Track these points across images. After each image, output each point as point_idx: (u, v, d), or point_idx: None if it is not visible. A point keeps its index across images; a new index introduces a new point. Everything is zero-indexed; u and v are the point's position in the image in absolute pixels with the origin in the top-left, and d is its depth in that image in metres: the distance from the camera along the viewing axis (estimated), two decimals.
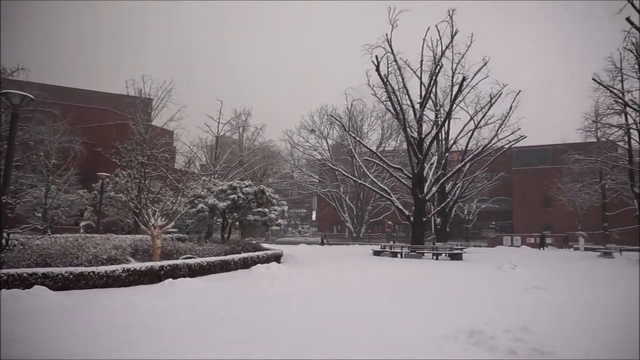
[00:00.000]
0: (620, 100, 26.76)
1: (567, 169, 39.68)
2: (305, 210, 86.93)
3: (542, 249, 38.56)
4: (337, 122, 38.85)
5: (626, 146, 32.42)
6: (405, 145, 29.98)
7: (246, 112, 45.27)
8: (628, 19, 21.41)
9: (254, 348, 5.74)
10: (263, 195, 20.50)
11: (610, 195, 38.25)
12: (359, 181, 38.27)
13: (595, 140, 35.53)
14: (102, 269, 11.01)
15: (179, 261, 13.35)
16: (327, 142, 53.53)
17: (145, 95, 31.51)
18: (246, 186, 20.50)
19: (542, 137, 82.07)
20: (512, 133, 30.32)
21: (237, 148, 47.56)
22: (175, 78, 55.10)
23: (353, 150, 39.79)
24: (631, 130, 30.44)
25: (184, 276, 12.37)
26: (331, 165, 41.91)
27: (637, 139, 29.95)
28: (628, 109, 27.51)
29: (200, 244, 17.83)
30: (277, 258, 19.20)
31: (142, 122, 28.74)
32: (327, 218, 62.45)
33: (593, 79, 26.04)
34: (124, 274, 11.30)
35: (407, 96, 28.03)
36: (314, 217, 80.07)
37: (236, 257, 16.07)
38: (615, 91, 26.70)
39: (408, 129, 27.76)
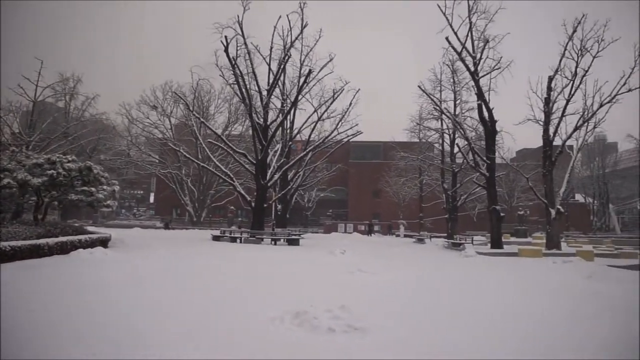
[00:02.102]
0: (438, 108, 30.84)
1: (394, 164, 44.45)
2: (142, 192, 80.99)
3: (370, 235, 42.51)
4: (182, 100, 36.78)
5: (440, 148, 37.76)
6: (251, 131, 29.89)
7: (76, 78, 40.01)
8: (447, 39, 24.63)
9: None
10: (90, 172, 18.30)
11: (426, 189, 44.17)
12: (202, 164, 37.00)
13: (418, 140, 40.41)
14: None
15: None
16: (170, 121, 50.23)
17: None
18: (69, 161, 18.01)
19: (376, 134, 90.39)
20: (351, 128, 32.68)
21: (62, 118, 41.66)
22: None
23: (197, 132, 38.21)
24: (444, 135, 35.50)
25: None
26: (173, 146, 39.70)
27: (449, 142, 35.08)
28: (444, 115, 31.86)
29: (5, 226, 15.10)
30: (103, 242, 17.35)
31: None
32: (167, 201, 58.97)
33: (418, 86, 29.50)
34: None
35: (255, 82, 27.94)
36: (152, 199, 75.12)
37: (51, 241, 14.03)
38: (434, 99, 30.64)
39: (254, 115, 27.74)
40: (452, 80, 31.48)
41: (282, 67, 28.69)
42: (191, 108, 35.17)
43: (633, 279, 12.61)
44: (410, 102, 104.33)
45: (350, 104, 31.97)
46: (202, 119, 33.12)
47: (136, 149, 52.45)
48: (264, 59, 28.68)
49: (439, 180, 37.38)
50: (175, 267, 12.68)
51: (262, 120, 28.25)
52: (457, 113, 31.44)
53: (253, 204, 27.78)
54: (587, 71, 23.75)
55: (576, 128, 24.74)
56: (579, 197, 65.35)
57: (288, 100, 31.57)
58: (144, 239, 23.15)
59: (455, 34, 24.35)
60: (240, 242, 24.94)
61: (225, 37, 25.75)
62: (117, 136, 52.82)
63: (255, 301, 7.94)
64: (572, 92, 24.19)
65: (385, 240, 37.39)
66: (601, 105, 23.66)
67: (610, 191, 63.39)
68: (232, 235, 25.84)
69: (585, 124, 24.68)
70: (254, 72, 27.74)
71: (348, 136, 33.45)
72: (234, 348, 5.11)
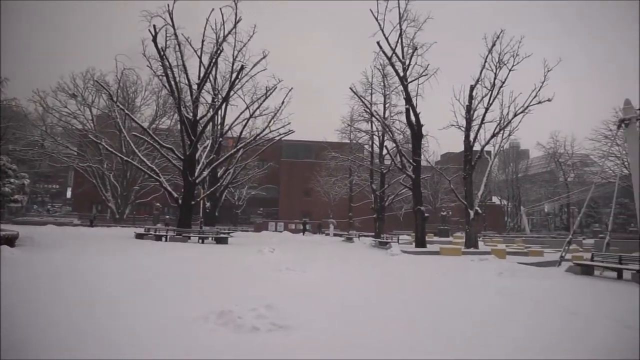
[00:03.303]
0: (368, 110, 31.62)
1: (325, 164, 45.00)
2: (58, 187, 75.27)
3: (303, 234, 42.83)
4: (105, 90, 34.60)
5: (370, 149, 38.77)
6: (179, 125, 28.83)
7: None
8: (378, 43, 25.33)
9: None
10: None
11: (355, 189, 45.20)
12: (126, 158, 35.08)
13: (349, 141, 41.21)
14: None
15: None
16: (91, 111, 47.07)
17: None
18: None
19: (309, 133, 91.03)
20: (283, 126, 32.54)
21: None
22: None
23: (121, 124, 36.15)
24: (374, 137, 36.49)
25: None
26: (94, 138, 37.35)
27: (378, 144, 36.11)
28: (374, 118, 32.70)
29: None
30: (9, 241, 15.87)
31: None
32: (86, 196, 55.17)
33: (350, 88, 30.07)
34: None
35: (185, 75, 26.99)
36: (69, 194, 70.06)
37: None
38: (365, 102, 31.39)
39: (183, 109, 26.81)
40: (382, 83, 32.46)
41: (213, 61, 27.96)
42: (115, 99, 33.20)
43: (537, 275, 13.77)
44: (343, 103, 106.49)
45: (283, 102, 31.83)
46: (126, 111, 31.34)
47: (52, 139, 48.23)
48: (195, 51, 27.80)
49: (368, 180, 38.41)
50: (91, 266, 11.89)
51: (191, 114, 27.35)
52: (386, 116, 32.45)
53: (180, 201, 26.83)
54: (503, 82, 25.56)
55: (493, 135, 26.51)
56: (495, 200, 70.30)
57: (219, 96, 30.80)
58: (58, 237, 21.55)
59: (387, 39, 25.12)
60: (166, 240, 23.97)
61: (154, 26, 24.66)
62: (30, 125, 48.43)
63: (178, 301, 7.64)
64: (491, 102, 25.93)
65: (315, 239, 37.74)
66: (515, 115, 25.57)
67: (522, 194, 68.68)
68: (157, 233, 24.77)
69: (502, 131, 26.55)
70: (184, 65, 26.82)
71: (280, 134, 33.31)
72: (153, 349, 4.88)
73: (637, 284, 12.47)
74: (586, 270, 14.92)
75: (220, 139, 34.26)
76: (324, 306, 7.82)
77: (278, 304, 6.97)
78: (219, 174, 35.87)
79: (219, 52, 27.64)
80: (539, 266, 17.48)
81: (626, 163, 28.11)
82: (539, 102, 24.56)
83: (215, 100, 30.45)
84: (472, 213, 25.23)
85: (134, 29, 26.21)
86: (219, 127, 35.59)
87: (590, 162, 56.52)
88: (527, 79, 25.70)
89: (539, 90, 24.51)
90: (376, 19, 24.63)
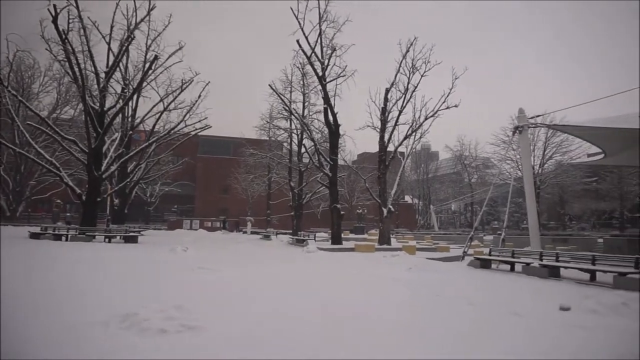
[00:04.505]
0: (287, 108, 31.61)
1: (243, 161, 44.36)
2: None
3: (223, 231, 41.87)
4: None
5: (289, 147, 38.83)
6: (84, 116, 26.61)
7: None
8: (298, 42, 25.38)
9: None
10: None
11: (274, 187, 45.07)
12: (20, 150, 31.65)
13: (268, 138, 40.95)
14: None
15: None
16: None
17: None
18: None
19: (227, 129, 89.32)
20: (200, 121, 31.41)
21: None
22: None
23: (14, 112, 32.53)
24: (293, 135, 36.59)
25: None
26: None
27: (297, 142, 36.25)
28: (292, 116, 32.75)
29: None
30: None
31: None
32: None
33: (269, 85, 29.83)
34: None
35: (91, 61, 25.01)
36: None
37: None
38: (284, 99, 31.34)
39: (89, 99, 24.82)
40: (302, 82, 32.63)
41: (124, 48, 26.20)
42: (5, 83, 29.81)
43: (441, 269, 14.73)
44: (262, 100, 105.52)
45: (200, 96, 30.69)
46: (20, 98, 28.21)
47: None
48: (104, 37, 25.88)
49: (287, 178, 38.44)
50: None
51: (98, 105, 25.43)
52: (305, 115, 32.67)
53: (84, 198, 24.83)
54: (416, 87, 26.79)
55: (406, 137, 27.74)
56: (407, 198, 73.94)
57: (130, 86, 28.96)
58: None
59: (306, 38, 25.27)
60: (67, 240, 22.06)
61: (54, 5, 22.44)
62: None
63: (75, 305, 7.03)
64: (404, 105, 27.07)
65: (232, 237, 37.08)
66: (426, 118, 26.95)
67: (431, 193, 72.93)
68: (57, 232, 22.71)
69: (414, 133, 27.85)
70: (89, 51, 24.79)
71: (196, 129, 32.15)
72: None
73: (526, 275, 13.77)
74: (484, 264, 16.18)
75: (131, 132, 32.27)
76: (236, 305, 7.67)
77: (189, 305, 6.71)
78: (129, 169, 33.77)
79: (130, 39, 25.99)
80: (445, 261, 18.65)
81: (520, 166, 30.91)
82: (447, 108, 26.09)
83: (126, 90, 28.58)
84: (385, 211, 26.21)
85: (31, 7, 23.73)
86: (129, 119, 33.46)
87: (491, 164, 61.24)
88: (441, 85, 27.11)
89: (447, 96, 26.04)
90: (296, 18, 24.67)
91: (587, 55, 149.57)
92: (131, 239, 23.00)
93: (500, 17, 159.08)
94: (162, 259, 15.26)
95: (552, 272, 13.09)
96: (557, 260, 13.19)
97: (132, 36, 26.03)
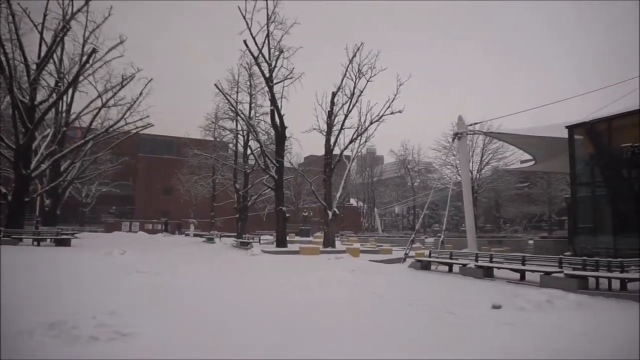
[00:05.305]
0: (233, 109, 31.14)
1: (187, 161, 43.17)
2: None
3: (165, 234, 40.47)
4: None
5: (234, 148, 38.26)
6: (12, 110, 24.74)
7: None
8: (245, 42, 25.02)
9: None
10: None
11: (218, 188, 44.17)
12: None
13: (213, 139, 40.11)
14: None
15: None
16: None
17: None
18: None
19: (171, 128, 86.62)
20: (141, 119, 30.11)
21: None
22: None
23: None
24: (239, 136, 36.09)
25: None
26: None
27: (242, 144, 35.79)
28: (239, 117, 32.29)
29: None
30: None
31: None
32: None
33: (215, 85, 29.24)
34: None
35: (20, 51, 23.34)
36: None
37: None
38: (230, 100, 30.86)
39: (17, 91, 23.13)
40: (249, 83, 32.25)
41: (58, 39, 24.61)
42: None
43: (383, 271, 15.12)
44: (208, 99, 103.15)
45: (142, 93, 29.37)
46: None
47: None
48: (35, 26, 24.13)
49: (232, 180, 37.84)
50: None
51: (27, 98, 23.76)
52: (251, 116, 32.32)
53: (10, 197, 23.09)
54: (362, 92, 27.24)
55: (351, 140, 28.16)
56: (352, 201, 74.98)
57: (65, 79, 27.29)
58: None
59: (254, 38, 25.00)
60: None
61: None
62: None
63: None
64: (350, 109, 27.46)
65: (174, 239, 35.97)
66: (371, 123, 27.46)
67: (376, 197, 74.43)
68: None
69: (359, 137, 28.31)
70: (19, 39, 23.06)
71: (137, 127, 30.85)
72: None
73: (463, 276, 14.38)
74: (425, 265, 16.70)
75: (65, 128, 30.44)
76: (174, 311, 7.42)
77: (124, 311, 6.40)
78: (62, 167, 31.80)
79: (65, 30, 24.48)
80: (387, 263, 19.07)
81: (459, 171, 32.29)
82: (392, 113, 26.73)
83: (60, 84, 26.92)
84: (330, 214, 26.42)
85: None
86: (63, 114, 31.49)
87: (433, 169, 63.45)
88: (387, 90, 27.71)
89: (392, 102, 26.67)
90: (244, 17, 24.37)
91: (526, 60, 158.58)
92: (63, 242, 21.63)
93: (453, 18, 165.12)
94: (96, 262, 14.54)
95: (487, 273, 13.75)
96: (491, 261, 13.89)
97: (68, 27, 24.53)
